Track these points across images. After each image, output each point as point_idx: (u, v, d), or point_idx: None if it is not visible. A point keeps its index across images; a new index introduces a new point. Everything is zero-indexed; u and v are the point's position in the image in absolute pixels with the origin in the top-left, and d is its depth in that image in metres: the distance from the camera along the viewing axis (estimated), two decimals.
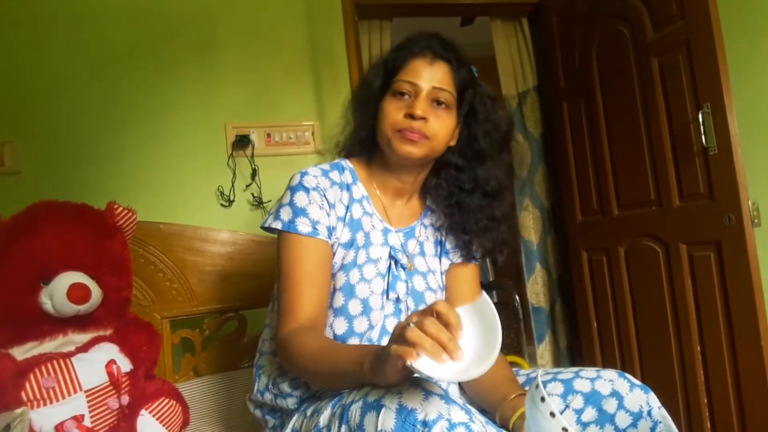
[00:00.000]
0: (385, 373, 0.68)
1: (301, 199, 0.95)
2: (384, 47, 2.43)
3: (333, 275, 0.98)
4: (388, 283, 0.99)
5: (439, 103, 0.98)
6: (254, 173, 1.88)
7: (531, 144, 2.62)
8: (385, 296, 0.99)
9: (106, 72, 1.80)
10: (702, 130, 1.62)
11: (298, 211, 0.94)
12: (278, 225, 0.95)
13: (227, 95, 1.90)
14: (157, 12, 1.86)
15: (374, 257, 0.99)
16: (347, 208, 1.00)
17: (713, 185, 1.64)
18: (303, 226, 0.93)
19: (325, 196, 0.97)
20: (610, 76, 2.04)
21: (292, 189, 0.97)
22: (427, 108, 0.97)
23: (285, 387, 0.98)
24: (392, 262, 1.01)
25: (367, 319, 0.96)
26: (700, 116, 1.63)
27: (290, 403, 0.98)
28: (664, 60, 1.78)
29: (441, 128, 0.98)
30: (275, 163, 1.91)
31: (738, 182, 1.56)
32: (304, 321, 0.90)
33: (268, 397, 1.02)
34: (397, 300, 1.00)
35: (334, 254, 0.98)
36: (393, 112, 0.97)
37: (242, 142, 1.86)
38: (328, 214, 0.97)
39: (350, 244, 0.99)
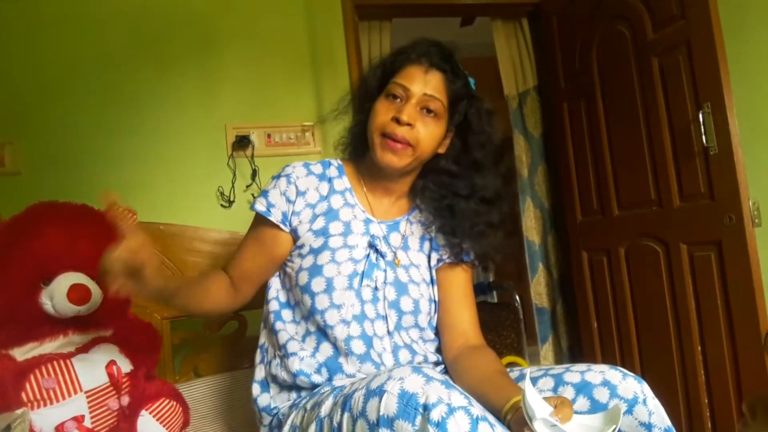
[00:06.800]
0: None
1: (270, 185, 1.06)
2: (384, 48, 2.43)
3: (302, 257, 1.02)
4: (364, 270, 1.01)
5: (428, 111, 1.01)
6: (254, 174, 1.88)
7: (531, 144, 2.62)
8: (356, 279, 1.00)
9: (106, 73, 1.80)
10: (702, 130, 1.62)
11: (263, 194, 1.05)
12: (250, 204, 1.09)
13: (227, 96, 1.90)
14: (158, 12, 1.86)
15: (351, 244, 1.02)
16: (325, 197, 1.05)
17: (714, 185, 1.64)
18: (260, 205, 1.04)
19: (295, 183, 1.04)
20: (611, 77, 2.04)
21: (272, 178, 1.08)
22: (415, 114, 0.99)
23: (289, 345, 1.00)
24: (372, 251, 1.02)
25: (329, 297, 0.98)
26: (700, 116, 1.63)
27: (295, 365, 0.98)
28: (665, 60, 1.78)
29: (427, 136, 1.01)
30: (275, 164, 1.88)
31: (738, 182, 1.55)
32: (230, 278, 1.08)
33: (275, 364, 1.02)
34: (375, 288, 1.01)
35: (299, 237, 1.04)
36: (381, 113, 1.01)
37: (242, 142, 1.86)
38: (291, 201, 1.03)
39: (323, 232, 1.02)
